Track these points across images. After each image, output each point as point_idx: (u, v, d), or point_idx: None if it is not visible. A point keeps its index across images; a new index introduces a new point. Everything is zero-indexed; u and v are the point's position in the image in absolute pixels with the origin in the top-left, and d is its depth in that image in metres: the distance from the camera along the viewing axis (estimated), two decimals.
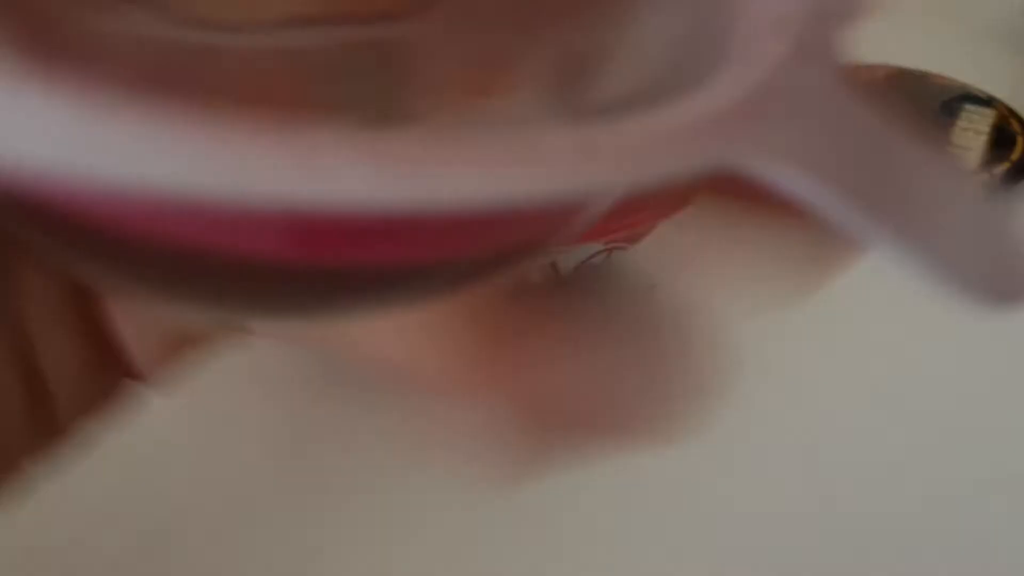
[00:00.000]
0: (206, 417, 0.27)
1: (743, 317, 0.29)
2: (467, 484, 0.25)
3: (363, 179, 0.06)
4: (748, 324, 0.30)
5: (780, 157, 0.08)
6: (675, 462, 0.26)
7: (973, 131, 0.36)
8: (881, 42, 0.43)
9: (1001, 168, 0.34)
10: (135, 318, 0.13)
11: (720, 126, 0.08)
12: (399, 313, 0.11)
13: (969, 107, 0.37)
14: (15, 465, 0.12)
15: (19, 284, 0.12)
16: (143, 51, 0.11)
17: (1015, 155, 0.35)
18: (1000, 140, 0.36)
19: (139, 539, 0.24)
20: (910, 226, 0.09)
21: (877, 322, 0.30)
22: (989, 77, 0.40)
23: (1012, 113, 0.37)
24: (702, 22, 0.10)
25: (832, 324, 0.30)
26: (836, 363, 0.28)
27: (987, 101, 0.38)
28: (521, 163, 0.07)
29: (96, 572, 0.24)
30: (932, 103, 0.38)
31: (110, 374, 0.13)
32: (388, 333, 0.11)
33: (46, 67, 0.06)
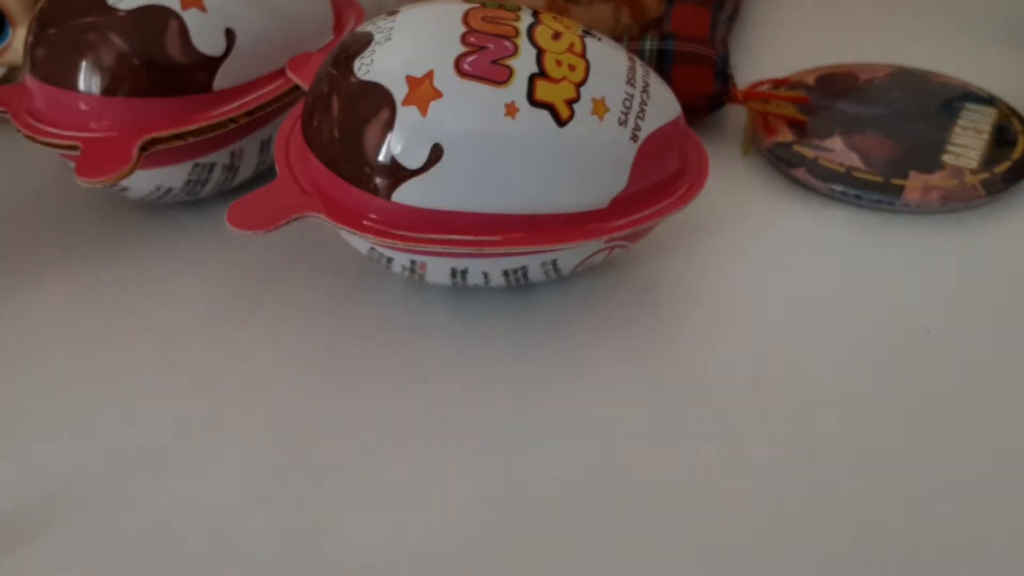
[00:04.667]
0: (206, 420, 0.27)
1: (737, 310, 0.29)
2: (463, 481, 0.25)
3: None
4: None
5: None
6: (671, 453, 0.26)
7: (974, 130, 0.36)
8: (882, 41, 0.43)
9: (1002, 167, 0.34)
10: None
11: None
12: None
13: (970, 106, 0.38)
14: None
15: None
16: None
17: (1016, 154, 0.35)
18: (1001, 139, 0.36)
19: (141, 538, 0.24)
20: None
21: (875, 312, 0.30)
22: (990, 76, 0.40)
23: (1013, 112, 0.37)
24: None
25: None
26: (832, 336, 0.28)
27: (988, 100, 0.38)
28: None
29: (98, 571, 0.24)
30: (933, 102, 0.38)
31: None
32: None
33: None
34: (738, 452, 0.26)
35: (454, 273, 0.28)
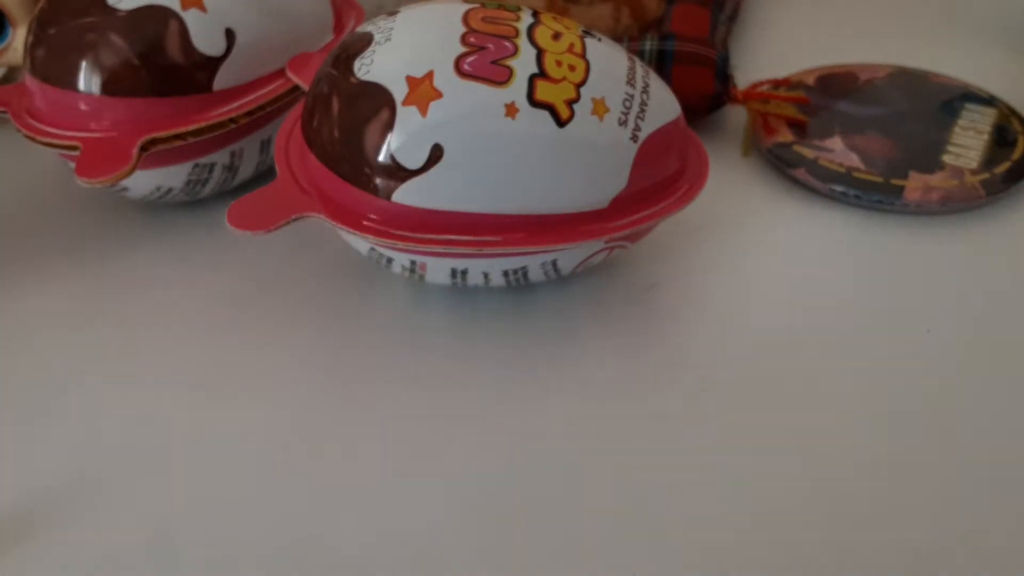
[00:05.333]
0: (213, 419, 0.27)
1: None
2: (464, 480, 0.25)
3: None
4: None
5: None
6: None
7: (974, 130, 0.36)
8: (882, 41, 0.43)
9: (1002, 167, 0.34)
10: None
11: None
12: None
13: (970, 106, 0.37)
14: None
15: None
16: None
17: (1016, 154, 0.35)
18: (1001, 139, 0.36)
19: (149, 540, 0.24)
20: None
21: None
22: (990, 76, 0.40)
23: (1013, 112, 0.37)
24: None
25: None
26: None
27: (988, 100, 0.38)
28: None
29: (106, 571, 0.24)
30: (933, 102, 0.38)
31: None
32: None
33: None
34: (738, 451, 0.26)
35: (454, 273, 0.28)
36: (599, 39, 0.29)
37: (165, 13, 0.30)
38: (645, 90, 0.28)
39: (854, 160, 0.35)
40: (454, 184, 0.26)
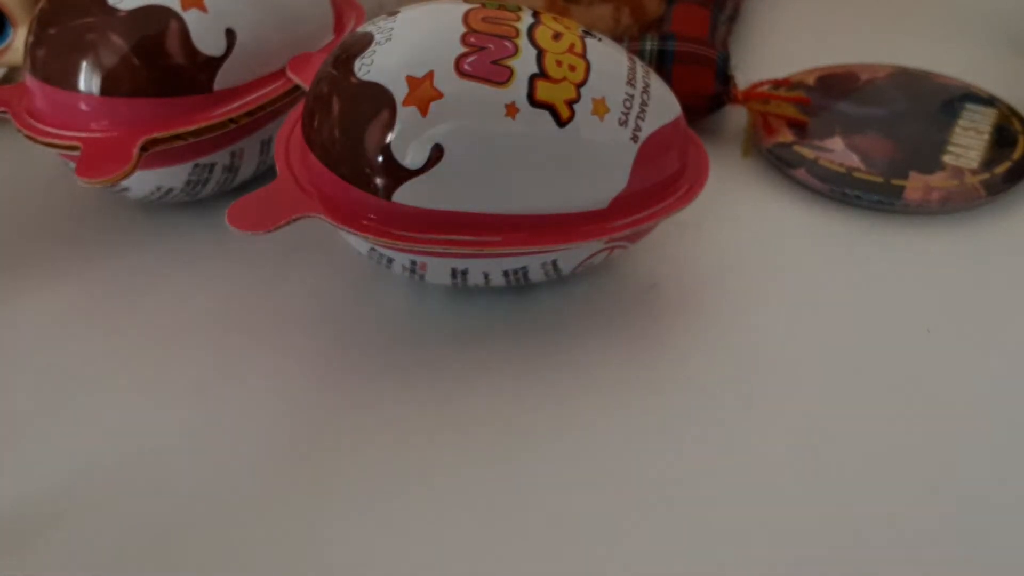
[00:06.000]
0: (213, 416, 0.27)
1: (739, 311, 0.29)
2: (462, 481, 0.26)
3: None
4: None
5: None
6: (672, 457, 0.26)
7: (974, 130, 0.36)
8: (882, 41, 0.43)
9: (1002, 168, 0.34)
10: None
11: None
12: None
13: (970, 106, 0.37)
14: None
15: None
16: None
17: (1016, 154, 0.35)
18: (1001, 139, 0.36)
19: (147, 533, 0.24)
20: None
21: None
22: (990, 76, 0.40)
23: (1013, 112, 0.37)
24: None
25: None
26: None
27: (988, 100, 0.38)
28: None
29: (107, 566, 0.24)
30: (933, 102, 0.38)
31: None
32: None
33: None
34: (738, 452, 0.26)
35: (454, 273, 0.28)
36: (599, 39, 0.29)
37: (165, 13, 0.30)
38: (645, 90, 0.28)
39: (854, 160, 0.35)
40: (454, 184, 0.26)
